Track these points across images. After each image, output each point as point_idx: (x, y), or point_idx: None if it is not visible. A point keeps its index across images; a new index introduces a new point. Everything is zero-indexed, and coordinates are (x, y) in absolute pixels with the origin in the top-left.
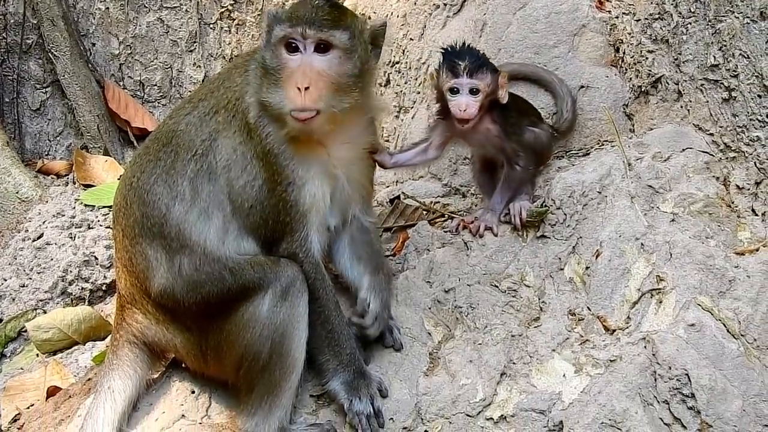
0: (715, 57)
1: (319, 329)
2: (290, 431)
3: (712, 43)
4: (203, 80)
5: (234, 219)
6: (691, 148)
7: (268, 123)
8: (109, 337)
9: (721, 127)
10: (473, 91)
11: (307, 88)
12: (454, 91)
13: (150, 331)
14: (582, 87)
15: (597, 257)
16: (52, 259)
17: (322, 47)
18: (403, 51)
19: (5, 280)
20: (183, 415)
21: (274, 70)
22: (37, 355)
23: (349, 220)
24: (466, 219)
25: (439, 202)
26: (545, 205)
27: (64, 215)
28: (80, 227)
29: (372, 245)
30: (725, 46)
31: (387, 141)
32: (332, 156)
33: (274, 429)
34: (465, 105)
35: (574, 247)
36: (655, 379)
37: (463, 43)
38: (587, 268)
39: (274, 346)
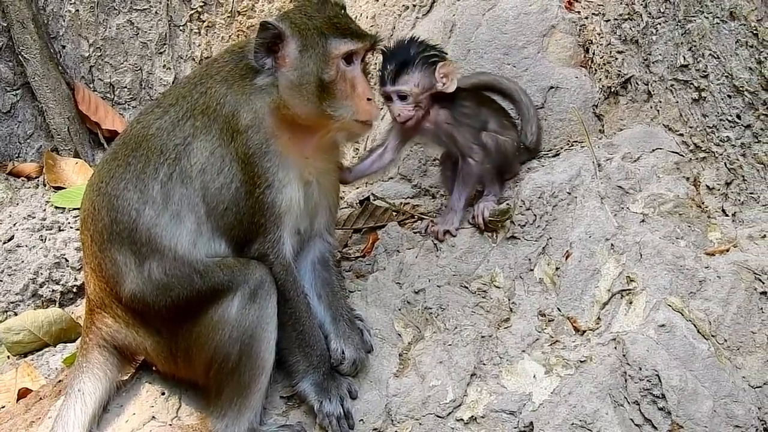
0: (684, 57)
1: (289, 330)
2: (259, 431)
3: (681, 43)
4: (173, 82)
5: (208, 221)
6: (661, 149)
7: (260, 127)
8: (80, 339)
9: (691, 127)
10: (401, 96)
11: (369, 99)
12: (387, 98)
13: (120, 334)
14: (551, 88)
15: (567, 258)
16: (22, 262)
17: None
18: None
19: None
20: (153, 417)
21: (330, 85)
22: (8, 357)
23: (315, 229)
24: (435, 221)
25: (408, 203)
26: (508, 205)
27: (34, 217)
28: (51, 229)
29: (332, 285)
30: (695, 46)
31: (357, 142)
32: (310, 163)
33: (244, 430)
34: (398, 111)
35: (544, 248)
36: (626, 380)
37: (398, 42)
38: (557, 269)
39: (243, 348)
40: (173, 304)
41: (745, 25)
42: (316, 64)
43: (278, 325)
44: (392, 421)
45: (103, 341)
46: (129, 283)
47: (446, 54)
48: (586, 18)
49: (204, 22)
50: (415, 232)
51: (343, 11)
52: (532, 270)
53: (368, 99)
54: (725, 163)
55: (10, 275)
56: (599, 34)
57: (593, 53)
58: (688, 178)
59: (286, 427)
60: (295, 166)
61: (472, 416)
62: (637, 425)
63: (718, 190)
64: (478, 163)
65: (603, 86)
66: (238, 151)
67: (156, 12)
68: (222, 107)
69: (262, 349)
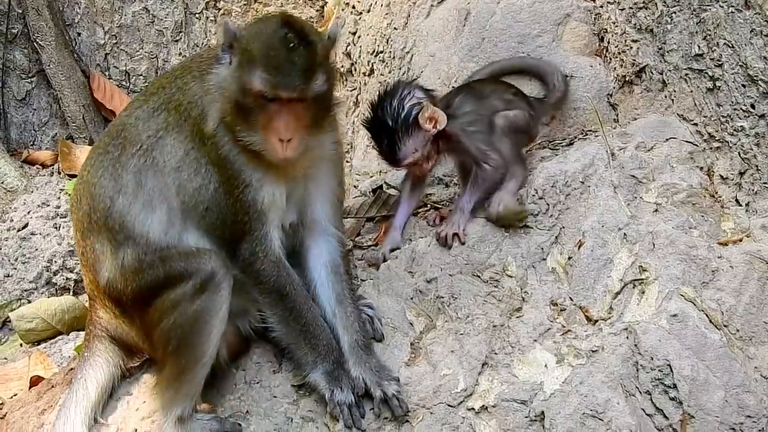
0: (699, 46)
1: (293, 324)
2: (190, 421)
3: (696, 32)
4: None
5: (181, 214)
6: (674, 138)
7: (224, 134)
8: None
9: (705, 116)
10: (410, 165)
11: (289, 140)
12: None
13: (111, 326)
14: (566, 76)
15: (579, 247)
16: (36, 249)
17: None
18: (387, 40)
19: None
20: None
21: (248, 110)
22: (21, 344)
23: (309, 221)
24: (442, 221)
25: None
26: (524, 208)
27: (49, 205)
28: (65, 217)
29: (344, 304)
30: (710, 35)
31: None
32: (294, 159)
33: (175, 416)
34: (418, 173)
35: (556, 237)
36: (637, 370)
37: (372, 114)
38: (570, 258)
39: (183, 336)
40: (140, 290)
41: (759, 14)
42: (237, 87)
43: (280, 321)
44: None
45: (101, 332)
46: (104, 271)
47: (415, 85)
48: (601, 6)
49: (220, 9)
50: (428, 224)
51: (292, 49)
52: (544, 259)
53: (280, 140)
54: (739, 153)
55: (24, 263)
56: (614, 23)
57: (608, 42)
58: (701, 168)
59: (217, 420)
60: (271, 163)
61: (484, 405)
62: (648, 415)
63: (732, 179)
64: (493, 168)
65: (617, 75)
66: (210, 155)
67: (172, 0)
68: (193, 108)
69: (201, 341)
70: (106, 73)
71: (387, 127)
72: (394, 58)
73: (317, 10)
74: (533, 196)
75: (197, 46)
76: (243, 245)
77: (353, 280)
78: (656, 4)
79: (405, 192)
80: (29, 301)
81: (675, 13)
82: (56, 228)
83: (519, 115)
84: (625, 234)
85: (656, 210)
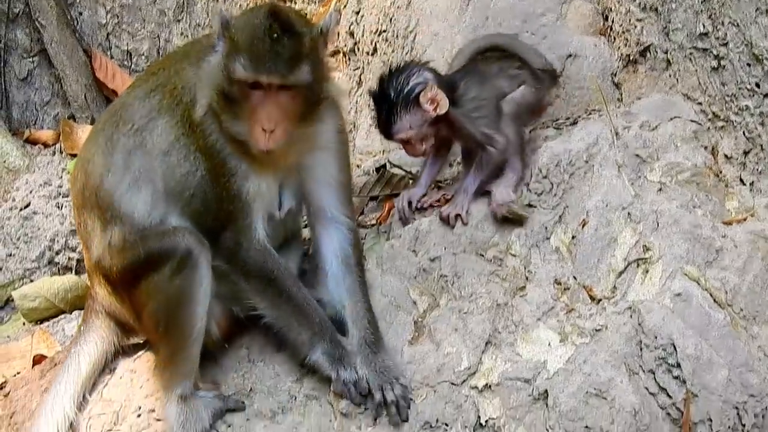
0: (704, 25)
1: (284, 308)
2: (192, 399)
3: (701, 11)
4: None
5: (167, 200)
6: (679, 117)
7: (212, 122)
8: None
9: (709, 96)
10: (403, 141)
11: (272, 131)
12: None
13: (106, 302)
14: (570, 56)
15: (583, 226)
16: (39, 229)
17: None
18: (390, 19)
19: None
20: None
21: (234, 99)
22: (24, 323)
23: (316, 207)
24: (445, 202)
25: None
26: (525, 212)
27: (51, 185)
28: (67, 197)
29: (353, 297)
30: (714, 14)
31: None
32: (282, 147)
33: (176, 395)
34: (410, 152)
35: (560, 216)
36: (641, 349)
37: (378, 85)
38: (573, 237)
39: (170, 316)
40: (124, 270)
41: None
42: (224, 75)
43: (271, 306)
44: (407, 387)
45: (99, 306)
46: (95, 248)
47: (427, 66)
48: None
49: None
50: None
51: (276, 38)
52: (548, 238)
53: (263, 129)
54: (744, 132)
55: (26, 242)
56: (618, 2)
57: (612, 21)
58: (706, 147)
59: (219, 398)
60: (257, 159)
61: (487, 384)
62: (651, 394)
63: (736, 159)
64: (498, 151)
65: (622, 54)
66: (198, 142)
67: None
68: (185, 93)
69: (187, 319)
70: (108, 53)
71: (388, 99)
72: (397, 37)
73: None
74: (537, 175)
75: (199, 26)
76: (226, 234)
77: (365, 270)
78: None
79: (430, 158)
80: (32, 281)
81: None
82: (58, 207)
83: (526, 93)
84: (629, 213)
85: (660, 189)
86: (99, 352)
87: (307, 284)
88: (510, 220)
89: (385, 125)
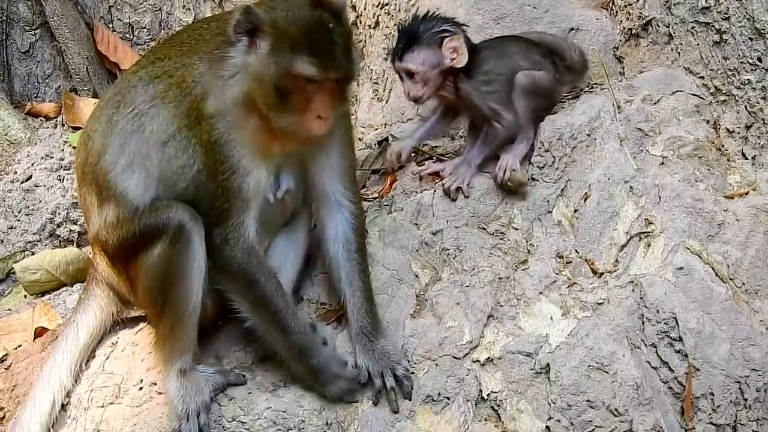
0: None
1: (263, 313)
2: (192, 373)
3: None
4: (192, 23)
5: (159, 188)
6: (681, 91)
7: (224, 117)
8: None
9: (711, 70)
10: (410, 74)
11: (320, 117)
12: (399, 75)
13: (106, 273)
14: (572, 29)
15: (585, 200)
16: (40, 201)
17: None
18: None
19: None
20: None
21: (283, 92)
22: (25, 296)
23: (321, 195)
24: (447, 172)
25: (427, 144)
26: (527, 177)
27: (52, 157)
28: (69, 169)
29: (352, 285)
30: None
31: (376, 83)
32: (286, 142)
33: (176, 369)
34: (407, 89)
35: (562, 189)
36: (643, 323)
37: (412, 18)
38: (575, 210)
39: (165, 291)
40: (120, 246)
41: None
42: (277, 72)
43: (251, 310)
44: (408, 361)
45: (100, 276)
46: (92, 224)
47: (462, 27)
48: None
49: None
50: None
51: (331, 30)
52: (550, 212)
53: (318, 117)
54: (745, 106)
55: (27, 215)
56: None
57: None
58: (708, 121)
59: (220, 372)
60: (262, 152)
61: (489, 357)
62: (653, 367)
63: (738, 133)
64: (505, 128)
65: (624, 28)
66: (202, 137)
67: None
68: (195, 87)
69: (182, 294)
70: (110, 26)
71: (414, 31)
72: (399, 10)
73: None
74: (539, 148)
75: None
76: (215, 230)
77: (366, 255)
78: None
79: (436, 115)
80: (33, 253)
81: None
82: (60, 180)
83: (544, 77)
84: (631, 187)
85: (662, 163)
86: (98, 321)
87: (312, 262)
88: (511, 192)
89: (401, 51)
